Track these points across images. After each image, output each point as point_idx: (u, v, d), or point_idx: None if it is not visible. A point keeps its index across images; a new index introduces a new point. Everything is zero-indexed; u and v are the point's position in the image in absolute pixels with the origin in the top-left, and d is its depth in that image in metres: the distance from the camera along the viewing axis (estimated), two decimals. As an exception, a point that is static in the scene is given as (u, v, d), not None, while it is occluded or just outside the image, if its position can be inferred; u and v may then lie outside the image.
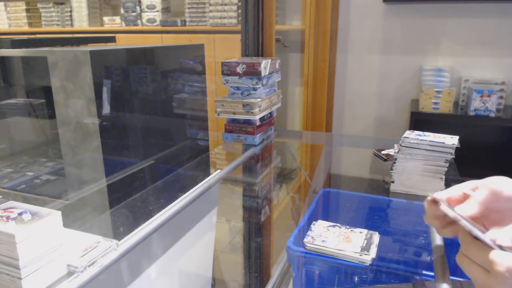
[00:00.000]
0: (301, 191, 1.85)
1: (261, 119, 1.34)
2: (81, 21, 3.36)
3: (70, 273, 0.58)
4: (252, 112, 1.28)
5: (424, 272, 0.90)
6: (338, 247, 0.86)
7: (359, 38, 2.67)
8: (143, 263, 0.84)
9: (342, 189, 1.34)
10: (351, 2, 2.63)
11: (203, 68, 1.52)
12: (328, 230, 0.94)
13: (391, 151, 1.33)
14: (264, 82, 1.31)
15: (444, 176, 1.01)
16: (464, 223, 0.51)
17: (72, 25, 3.40)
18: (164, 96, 1.32)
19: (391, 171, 1.05)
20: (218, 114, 1.33)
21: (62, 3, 3.42)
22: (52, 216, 0.55)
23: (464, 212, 0.53)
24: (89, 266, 0.59)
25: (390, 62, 2.63)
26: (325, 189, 1.30)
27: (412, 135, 1.03)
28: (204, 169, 1.34)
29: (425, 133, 1.06)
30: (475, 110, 2.21)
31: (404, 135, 1.03)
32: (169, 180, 1.19)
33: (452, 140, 1.00)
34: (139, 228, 0.76)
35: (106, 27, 3.21)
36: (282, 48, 2.81)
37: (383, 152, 1.34)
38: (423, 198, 1.05)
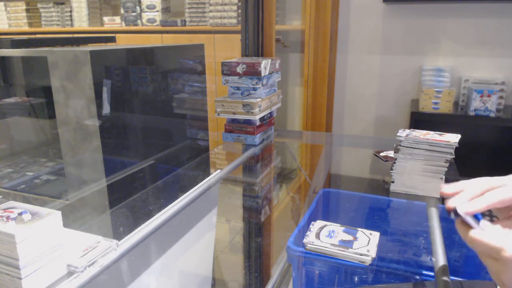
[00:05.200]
0: (301, 191, 1.85)
1: (261, 119, 1.34)
2: (81, 21, 3.36)
3: (70, 273, 0.58)
4: (252, 112, 1.28)
5: (424, 272, 0.90)
6: (338, 247, 0.86)
7: (359, 38, 2.67)
8: (143, 263, 0.84)
9: (342, 189, 1.34)
10: (351, 2, 2.63)
11: (203, 68, 1.52)
12: (328, 230, 0.94)
13: (390, 153, 1.33)
14: (264, 82, 1.31)
15: (444, 176, 1.01)
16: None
17: (72, 25, 3.40)
18: (164, 96, 1.32)
19: (391, 171, 1.05)
20: (218, 114, 1.33)
21: (62, 3, 3.42)
22: (52, 216, 0.55)
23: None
24: (89, 266, 0.59)
25: (390, 62, 2.63)
26: (325, 189, 1.30)
27: (404, 133, 1.02)
28: (204, 169, 1.34)
29: (416, 130, 1.05)
30: (475, 110, 2.21)
31: (398, 134, 1.02)
32: (169, 180, 1.19)
33: (454, 139, 0.99)
34: (139, 228, 0.76)
35: (106, 27, 3.21)
36: (282, 48, 2.81)
37: (382, 154, 1.34)
38: (423, 198, 1.05)
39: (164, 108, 1.34)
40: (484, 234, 0.51)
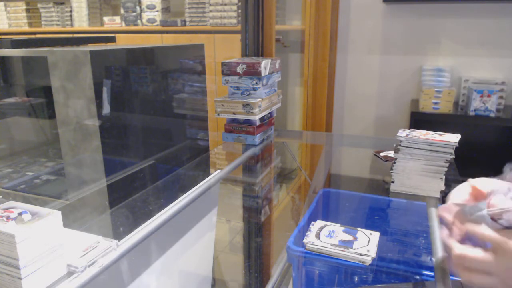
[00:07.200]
0: (301, 191, 1.85)
1: (261, 119, 1.34)
2: (81, 21, 3.36)
3: (70, 273, 0.58)
4: (252, 112, 1.28)
5: (424, 272, 0.90)
6: (338, 247, 0.86)
7: (359, 38, 2.67)
8: (143, 263, 0.84)
9: (342, 189, 1.34)
10: (351, 2, 2.63)
11: (203, 68, 1.52)
12: (328, 230, 0.93)
13: (390, 153, 1.32)
14: (264, 82, 1.31)
15: (444, 176, 1.01)
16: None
17: (72, 25, 3.40)
18: (164, 96, 1.32)
19: (391, 171, 1.05)
20: (218, 114, 1.33)
21: (62, 3, 3.43)
22: (52, 216, 0.55)
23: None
24: (89, 266, 0.59)
25: (390, 62, 2.63)
26: (325, 189, 1.30)
27: (404, 133, 1.02)
28: (204, 169, 1.34)
29: (416, 130, 1.05)
30: (475, 110, 2.21)
31: (398, 134, 1.02)
32: (169, 180, 1.19)
33: (454, 139, 0.99)
34: (139, 228, 0.76)
35: (106, 27, 3.21)
36: (282, 48, 2.81)
37: (382, 154, 1.34)
38: (423, 198, 1.05)
39: (164, 108, 1.34)
40: (469, 249, 0.51)
